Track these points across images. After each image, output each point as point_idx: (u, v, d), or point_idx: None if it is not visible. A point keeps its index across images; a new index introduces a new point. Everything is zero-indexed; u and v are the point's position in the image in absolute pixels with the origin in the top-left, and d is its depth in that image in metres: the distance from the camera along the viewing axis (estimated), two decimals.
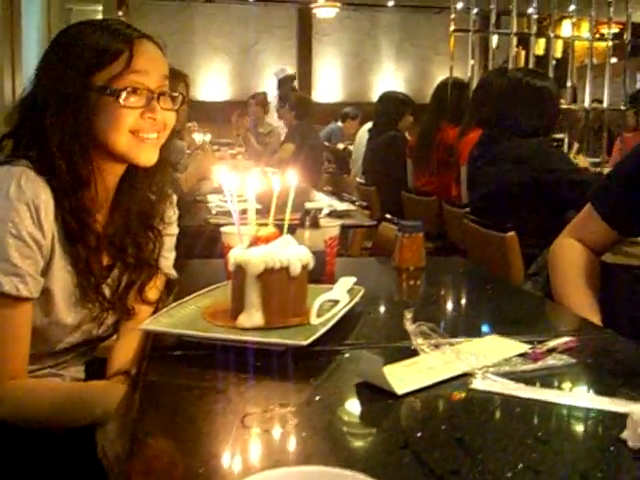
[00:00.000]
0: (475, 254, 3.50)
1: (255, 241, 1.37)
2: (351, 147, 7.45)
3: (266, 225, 1.42)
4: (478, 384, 1.11)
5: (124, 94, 1.42)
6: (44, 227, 1.39)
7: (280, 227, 1.42)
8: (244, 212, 1.45)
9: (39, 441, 1.42)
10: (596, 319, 1.65)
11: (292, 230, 1.76)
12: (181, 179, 3.52)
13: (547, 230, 3.17)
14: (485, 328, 1.46)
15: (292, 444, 0.94)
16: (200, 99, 10.19)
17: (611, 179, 1.93)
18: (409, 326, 1.31)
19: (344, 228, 3.56)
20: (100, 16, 10.18)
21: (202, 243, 2.35)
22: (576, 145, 6.15)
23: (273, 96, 8.22)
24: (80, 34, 1.46)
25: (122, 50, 1.43)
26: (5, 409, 1.39)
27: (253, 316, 1.32)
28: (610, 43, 6.04)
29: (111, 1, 10.37)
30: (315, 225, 1.79)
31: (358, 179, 5.72)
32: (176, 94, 1.53)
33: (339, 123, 8.94)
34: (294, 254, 1.35)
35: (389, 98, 5.73)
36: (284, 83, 8.71)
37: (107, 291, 1.56)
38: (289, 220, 1.48)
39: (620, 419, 0.96)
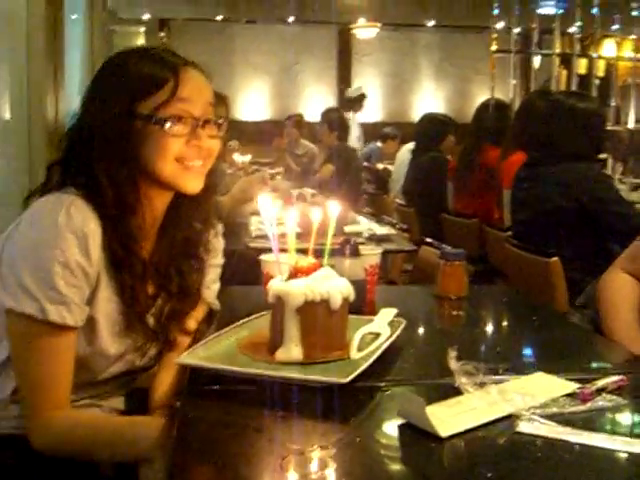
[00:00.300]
0: (517, 278, 3.44)
1: (295, 273, 1.34)
2: (390, 167, 7.42)
3: (306, 251, 1.39)
4: (524, 427, 1.06)
5: (169, 122, 1.42)
6: (91, 256, 1.38)
7: (320, 252, 1.39)
8: (283, 236, 1.43)
9: (79, 474, 1.41)
10: None
11: (332, 255, 1.73)
12: (223, 202, 3.51)
13: (592, 255, 3.12)
14: (531, 364, 1.41)
15: None
16: (240, 119, 10.24)
17: None
18: (453, 365, 1.27)
19: (384, 253, 3.55)
20: (142, 38, 10.31)
21: (242, 268, 2.33)
22: (620, 167, 6.05)
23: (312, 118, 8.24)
24: (125, 62, 1.47)
25: (168, 78, 1.43)
26: (49, 440, 1.38)
27: (292, 350, 1.29)
28: None
29: (153, 23, 10.52)
30: (355, 254, 1.76)
31: (398, 200, 5.68)
32: (221, 121, 1.52)
33: (378, 143, 8.92)
34: (335, 286, 1.32)
35: (430, 119, 5.71)
36: (356, 101, 8.81)
37: (151, 321, 1.54)
38: (320, 245, 1.45)
39: None
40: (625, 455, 0.98)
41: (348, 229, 3.16)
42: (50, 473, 1.41)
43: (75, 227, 1.36)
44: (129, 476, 1.34)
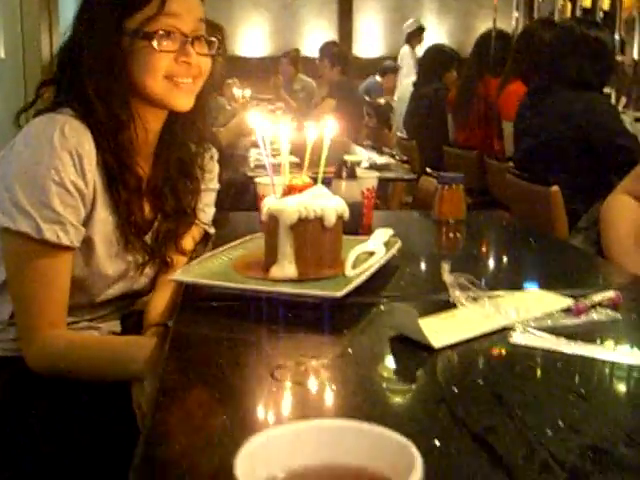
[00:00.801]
0: (518, 209, 3.43)
1: (289, 190, 1.33)
2: (392, 102, 7.35)
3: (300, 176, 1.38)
4: (518, 338, 1.06)
5: (157, 38, 1.40)
6: (87, 175, 1.38)
7: (315, 180, 1.38)
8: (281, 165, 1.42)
9: (74, 393, 1.42)
10: None
11: (328, 183, 1.72)
12: (220, 133, 3.48)
13: (593, 186, 3.10)
14: (527, 282, 1.41)
15: (323, 398, 0.90)
16: (239, 54, 10.10)
17: None
18: (447, 277, 1.26)
19: (384, 182, 3.53)
20: None
21: (240, 196, 2.32)
22: (624, 99, 5.98)
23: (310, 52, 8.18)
24: None
25: None
26: (44, 360, 1.39)
27: (286, 267, 1.28)
28: None
29: None
30: (352, 176, 1.74)
31: (399, 134, 5.64)
32: (212, 39, 1.50)
33: (377, 77, 8.79)
34: (329, 204, 1.31)
35: (437, 50, 5.62)
36: (413, 35, 8.75)
37: (148, 241, 1.55)
38: (326, 173, 1.44)
39: None
40: (617, 365, 0.98)
41: (348, 158, 3.13)
42: (46, 394, 1.42)
43: (70, 147, 1.36)
44: (123, 396, 1.34)
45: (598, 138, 3.06)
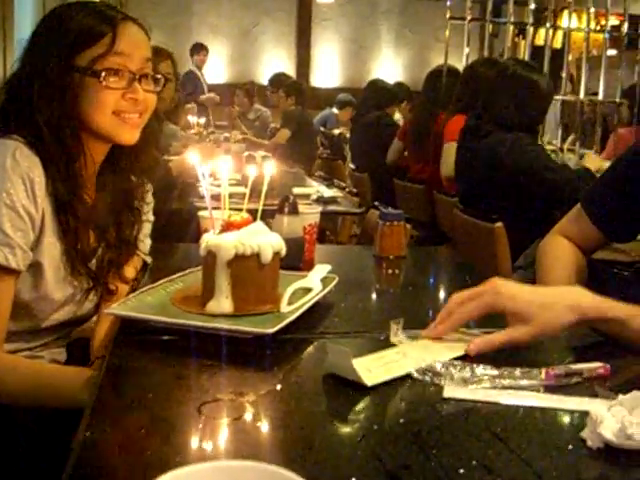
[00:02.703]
0: (464, 244, 3.49)
1: (227, 227, 1.35)
2: (347, 134, 7.43)
3: (240, 210, 1.41)
4: (450, 392, 1.05)
5: (106, 75, 1.45)
6: (37, 201, 1.41)
7: (255, 214, 1.41)
8: (232, 196, 1.45)
9: (22, 416, 1.43)
10: None
11: (272, 216, 1.75)
12: (174, 162, 3.50)
13: (535, 222, 3.17)
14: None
15: (243, 434, 0.92)
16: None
17: (603, 183, 1.89)
18: (394, 339, 1.24)
19: (333, 215, 3.58)
20: None
21: (182, 225, 2.34)
22: (572, 136, 6.11)
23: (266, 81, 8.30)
24: (66, 15, 1.50)
25: (105, 32, 1.47)
26: None
27: (222, 302, 1.30)
28: (607, 35, 5.98)
29: None
30: (294, 211, 1.77)
31: (351, 165, 5.70)
32: (159, 76, 1.57)
33: (335, 110, 8.89)
34: (266, 241, 1.33)
35: (379, 87, 5.69)
36: None
37: (93, 268, 1.58)
38: (268, 205, 1.48)
39: (582, 418, 0.95)
40: (532, 407, 1.02)
41: (297, 191, 3.18)
42: None
43: (22, 171, 1.39)
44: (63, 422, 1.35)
45: (526, 178, 3.12)
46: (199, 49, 9.36)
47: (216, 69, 10.67)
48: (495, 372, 1.10)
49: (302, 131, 6.48)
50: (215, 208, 1.42)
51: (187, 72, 9.03)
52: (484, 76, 3.77)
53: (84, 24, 1.46)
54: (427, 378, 1.08)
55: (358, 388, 1.04)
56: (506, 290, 1.24)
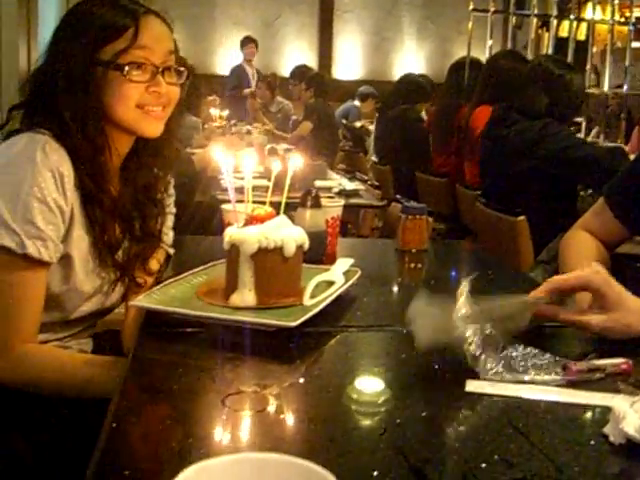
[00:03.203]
0: (486, 237, 3.49)
1: (250, 220, 1.36)
2: (369, 126, 7.42)
3: (263, 204, 1.42)
4: (472, 386, 1.05)
5: (129, 69, 1.47)
6: (67, 194, 1.43)
7: (279, 207, 1.42)
8: (255, 189, 1.46)
9: (55, 405, 1.45)
10: None
11: (294, 209, 1.76)
12: (197, 155, 3.51)
13: (559, 216, 3.16)
14: None
15: (266, 427, 0.93)
16: (220, 73, 10.15)
17: (626, 175, 1.88)
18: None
19: (354, 208, 3.58)
20: None
21: (204, 218, 2.35)
22: (596, 129, 6.08)
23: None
24: (88, 10, 1.51)
25: (128, 26, 1.48)
26: (15, 373, 1.42)
27: (246, 295, 1.31)
28: (631, 27, 5.93)
29: None
30: (316, 205, 1.78)
31: (373, 158, 5.69)
32: (182, 69, 1.58)
33: (356, 102, 8.88)
34: (289, 234, 1.34)
35: (413, 81, 5.63)
36: None
37: (119, 260, 1.60)
38: (291, 198, 1.49)
39: (605, 413, 0.95)
40: (556, 402, 1.02)
41: (319, 184, 3.18)
42: (16, 408, 1.45)
43: (52, 165, 1.41)
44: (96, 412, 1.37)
45: (556, 160, 3.11)
46: (247, 42, 9.43)
47: (238, 62, 10.69)
48: (518, 366, 1.11)
49: (324, 123, 6.48)
50: (239, 201, 1.43)
51: (234, 67, 9.13)
52: (507, 68, 3.76)
53: (107, 18, 1.48)
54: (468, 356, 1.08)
55: (378, 381, 1.05)
56: (605, 274, 1.29)
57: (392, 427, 0.93)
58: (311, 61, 10.33)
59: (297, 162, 1.52)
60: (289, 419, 0.96)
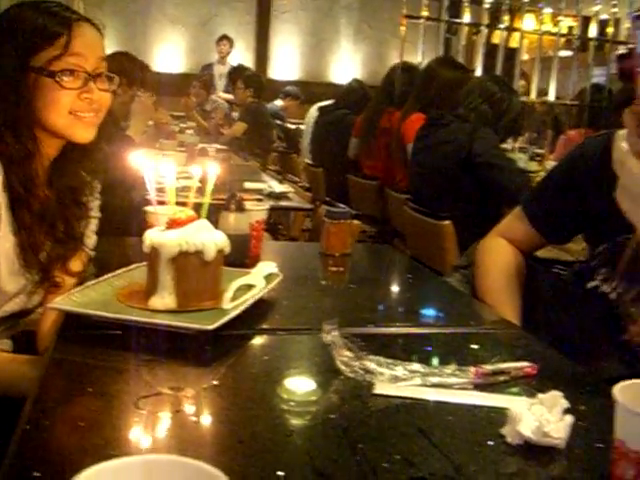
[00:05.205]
0: (414, 240, 3.56)
1: (171, 224, 1.38)
2: (302, 126, 7.45)
3: (185, 205, 1.44)
4: (381, 389, 1.09)
5: (61, 75, 1.49)
6: None
7: (199, 208, 1.43)
8: (184, 189, 1.48)
9: None
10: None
11: (218, 211, 1.78)
12: (130, 131, 3.48)
13: (485, 221, 3.23)
14: (391, 318, 1.47)
15: (178, 428, 0.96)
16: (156, 70, 10.06)
17: (543, 185, 1.94)
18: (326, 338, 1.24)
19: (284, 210, 3.61)
20: None
21: (126, 218, 2.34)
22: (523, 136, 6.21)
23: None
24: (20, 16, 1.53)
25: (60, 33, 1.50)
26: None
27: (165, 298, 1.33)
28: (561, 37, 6.09)
29: None
30: (240, 208, 1.80)
31: (306, 160, 5.72)
32: (112, 75, 1.61)
33: (279, 102, 8.79)
34: (209, 238, 1.36)
35: (354, 89, 5.62)
36: None
37: (42, 261, 1.60)
38: (218, 200, 1.51)
39: (505, 415, 0.99)
40: (457, 404, 1.07)
41: (248, 185, 3.21)
42: None
43: None
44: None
45: (479, 168, 3.21)
46: (219, 40, 9.48)
47: (174, 59, 10.61)
48: (426, 370, 1.15)
49: (259, 124, 6.50)
50: (163, 202, 1.45)
51: (204, 65, 9.15)
52: (445, 76, 3.86)
53: (39, 25, 1.49)
54: (359, 375, 1.12)
55: (292, 384, 1.08)
56: None
57: (300, 429, 0.96)
58: (247, 60, 10.31)
59: (216, 166, 1.54)
60: (201, 421, 0.98)
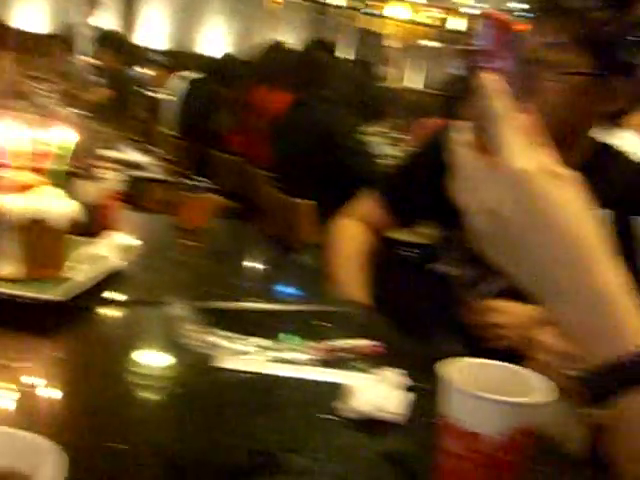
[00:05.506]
0: (273, 218, 3.58)
1: (20, 189, 1.33)
2: (167, 97, 7.30)
3: (38, 171, 1.39)
4: (223, 362, 1.11)
5: None
6: None
7: (53, 173, 1.39)
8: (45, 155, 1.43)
9: None
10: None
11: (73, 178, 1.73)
12: None
13: (342, 203, 3.30)
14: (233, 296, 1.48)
15: (19, 401, 0.93)
16: (15, 28, 9.60)
17: (398, 169, 1.99)
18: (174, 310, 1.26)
19: (143, 181, 3.54)
20: None
21: None
22: (387, 122, 6.34)
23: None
24: None
25: None
26: None
27: (10, 267, 1.28)
28: (429, 28, 6.26)
29: None
30: (95, 177, 1.76)
31: (169, 131, 5.62)
32: None
33: (146, 70, 8.55)
34: (60, 206, 1.33)
35: (227, 65, 5.57)
36: None
37: None
38: (71, 167, 1.47)
39: (341, 390, 1.03)
40: (295, 379, 1.10)
41: (106, 153, 3.12)
42: None
43: None
44: None
45: (337, 150, 3.27)
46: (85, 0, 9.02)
47: (37, 19, 10.18)
48: (271, 345, 1.17)
49: (123, 91, 6.33)
50: (10, 167, 1.39)
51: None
52: (317, 59, 3.88)
53: None
54: (204, 349, 1.13)
55: (139, 357, 1.07)
56: None
57: (142, 403, 0.96)
58: (115, 25, 10.02)
59: (73, 131, 1.50)
60: (41, 394, 0.96)
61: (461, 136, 0.70)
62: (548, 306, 0.65)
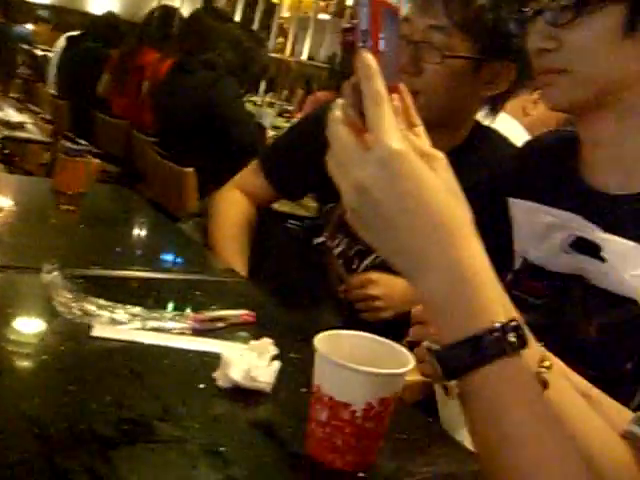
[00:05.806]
0: (156, 185, 3.53)
1: None
2: (50, 54, 7.04)
3: None
4: (98, 331, 1.09)
5: None
6: None
7: None
8: None
9: None
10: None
11: None
12: None
13: (225, 172, 3.27)
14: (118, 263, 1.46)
15: None
16: None
17: (281, 142, 2.00)
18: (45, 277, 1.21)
19: (21, 142, 3.43)
20: None
21: None
22: (275, 93, 6.34)
23: None
24: None
25: None
26: None
27: None
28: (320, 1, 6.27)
29: None
30: None
31: (51, 91, 5.42)
32: None
33: (30, 25, 8.24)
34: None
35: (107, 23, 5.39)
36: None
37: None
38: None
39: (218, 360, 1.03)
40: (174, 348, 1.10)
41: None
42: None
43: None
44: None
45: (217, 118, 3.25)
46: None
47: None
48: (146, 314, 1.17)
49: (3, 47, 6.07)
50: None
51: None
52: (206, 25, 3.82)
53: None
54: (77, 317, 1.11)
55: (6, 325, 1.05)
56: None
57: (11, 370, 0.94)
58: None
59: None
60: None
61: (338, 113, 0.71)
62: (415, 282, 0.67)
